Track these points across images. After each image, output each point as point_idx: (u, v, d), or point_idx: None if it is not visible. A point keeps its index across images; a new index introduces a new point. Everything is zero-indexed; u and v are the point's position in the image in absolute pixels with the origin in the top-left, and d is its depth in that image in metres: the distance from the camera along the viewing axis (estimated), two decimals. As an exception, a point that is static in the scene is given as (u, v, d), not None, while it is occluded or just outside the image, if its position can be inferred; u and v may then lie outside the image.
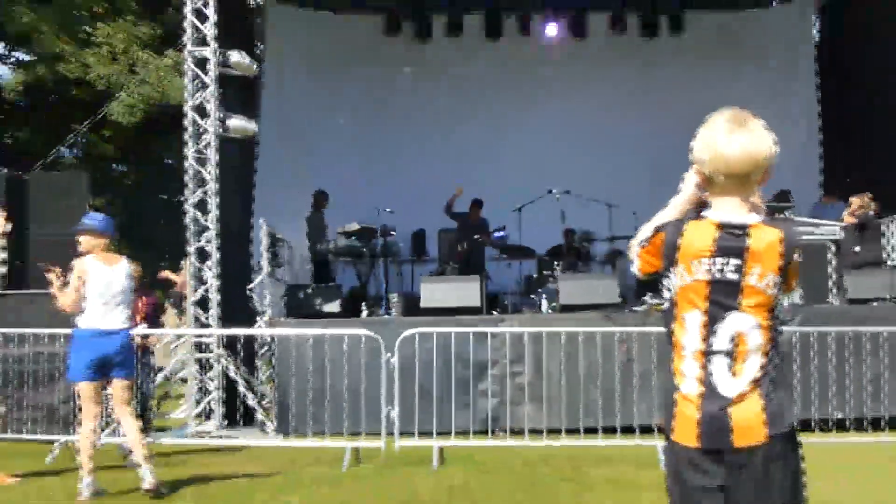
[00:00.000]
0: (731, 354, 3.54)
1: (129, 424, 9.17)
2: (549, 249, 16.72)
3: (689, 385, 3.59)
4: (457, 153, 18.52)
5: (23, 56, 32.51)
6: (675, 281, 3.63)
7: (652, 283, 12.15)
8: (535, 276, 16.37)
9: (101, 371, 9.02)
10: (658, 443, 10.80)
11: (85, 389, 9.07)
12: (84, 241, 9.27)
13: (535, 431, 12.03)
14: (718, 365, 3.55)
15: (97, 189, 24.62)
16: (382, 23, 18.78)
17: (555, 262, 15.83)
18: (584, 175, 17.28)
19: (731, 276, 3.54)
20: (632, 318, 13.23)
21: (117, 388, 9.13)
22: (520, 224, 16.38)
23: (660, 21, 18.57)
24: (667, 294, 3.68)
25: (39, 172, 16.23)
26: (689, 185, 3.76)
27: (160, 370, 13.89)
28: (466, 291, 14.04)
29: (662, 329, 10.94)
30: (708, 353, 3.56)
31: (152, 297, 12.86)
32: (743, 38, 18.40)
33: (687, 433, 3.58)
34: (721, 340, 3.55)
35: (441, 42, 18.64)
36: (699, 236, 3.58)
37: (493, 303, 15.18)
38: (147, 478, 8.94)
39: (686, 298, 3.61)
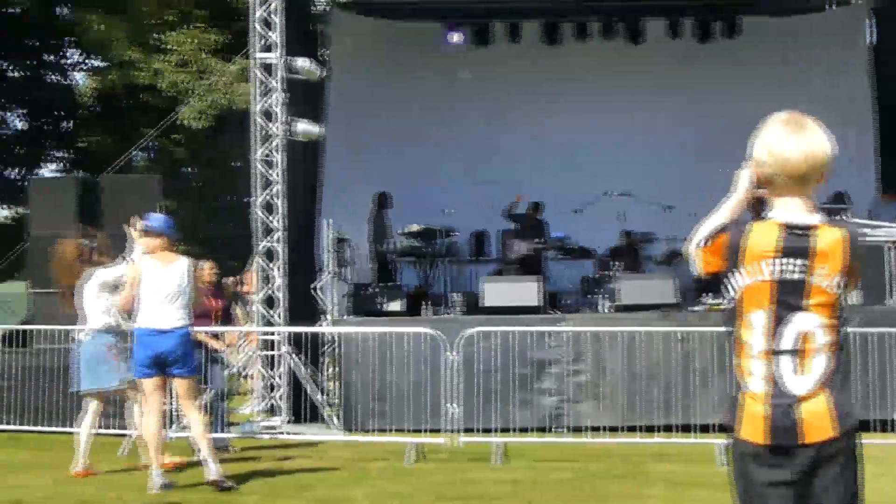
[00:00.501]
0: (798, 353, 3.58)
1: (194, 420, 9.35)
2: (608, 250, 16.83)
3: (755, 384, 3.62)
4: (516, 155, 18.65)
5: (97, 63, 33.19)
6: (739, 281, 3.65)
7: (710, 284, 12.22)
8: (593, 276, 16.47)
9: (159, 368, 9.16)
10: (716, 441, 10.90)
11: (145, 385, 9.29)
12: (144, 241, 9.44)
13: (595, 429, 12.14)
14: (785, 364, 3.58)
15: (167, 191, 25.08)
16: (443, 28, 18.97)
17: (613, 263, 15.92)
18: (641, 177, 17.36)
19: (796, 276, 3.58)
20: (690, 318, 13.32)
21: (179, 385, 9.31)
22: (578, 225, 16.50)
23: (714, 26, 18.55)
24: (730, 294, 3.70)
25: (112, 175, 16.53)
26: (744, 182, 3.82)
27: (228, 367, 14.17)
28: (526, 291, 14.21)
29: (720, 329, 11.01)
30: (774, 353, 3.59)
31: (225, 297, 13.16)
32: (797, 42, 18.30)
33: (754, 431, 3.60)
34: (787, 340, 3.58)
35: (499, 47, 18.79)
36: (764, 237, 3.61)
37: (552, 302, 15.30)
38: (212, 470, 9.11)
39: (751, 299, 3.63)
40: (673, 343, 12.48)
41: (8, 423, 12.94)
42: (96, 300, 10.18)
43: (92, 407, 10.29)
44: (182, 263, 9.39)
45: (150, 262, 9.31)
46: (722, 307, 13.92)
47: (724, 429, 3.76)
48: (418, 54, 18.83)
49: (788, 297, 3.59)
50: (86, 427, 10.26)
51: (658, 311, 13.62)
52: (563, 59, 18.79)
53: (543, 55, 18.85)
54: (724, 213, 3.82)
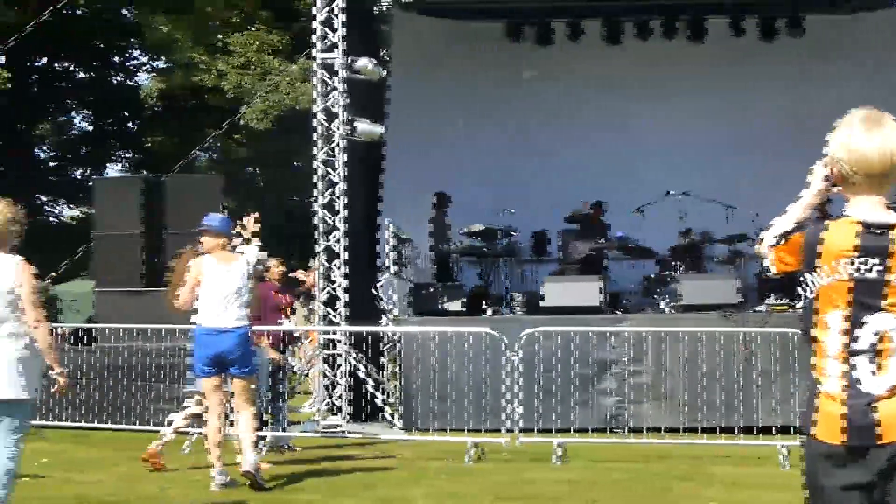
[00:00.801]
0: (875, 353, 3.52)
1: (244, 419, 9.32)
2: (669, 250, 16.74)
3: (832, 384, 3.56)
4: (577, 155, 18.60)
5: (161, 64, 33.62)
6: (816, 281, 3.61)
7: (774, 284, 12.12)
8: (655, 276, 16.40)
9: (218, 367, 9.23)
10: (779, 443, 10.84)
11: (205, 384, 9.40)
12: (204, 241, 9.47)
13: (656, 430, 12.10)
14: (862, 364, 3.53)
15: (229, 191, 25.35)
16: (504, 28, 18.98)
17: (675, 263, 15.83)
18: (703, 176, 17.25)
19: (874, 275, 3.52)
20: (752, 319, 13.22)
21: (236, 385, 9.34)
22: (640, 225, 16.44)
23: (778, 24, 18.37)
24: (806, 294, 3.66)
25: (176, 175, 16.73)
26: (818, 180, 3.76)
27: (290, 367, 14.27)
28: (587, 291, 14.19)
29: (783, 329, 10.95)
30: (851, 353, 3.53)
31: (292, 294, 13.25)
32: (863, 39, 18.02)
33: (831, 431, 3.54)
34: (864, 339, 3.53)
35: (561, 46, 18.75)
36: (841, 236, 3.56)
37: (613, 302, 15.26)
38: (247, 461, 9.12)
39: (828, 298, 3.58)
40: (735, 343, 12.39)
41: (74, 420, 13.14)
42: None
43: (193, 405, 10.63)
44: (241, 263, 9.42)
45: (210, 262, 9.35)
46: (795, 307, 13.79)
47: (802, 431, 3.69)
48: (479, 54, 18.84)
49: (866, 296, 3.53)
50: (179, 421, 10.69)
51: (720, 311, 13.53)
52: (625, 59, 18.71)
53: (605, 54, 18.79)
54: (797, 211, 3.77)
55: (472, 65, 18.75)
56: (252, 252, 9.70)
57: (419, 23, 18.45)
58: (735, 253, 16.48)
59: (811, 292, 3.64)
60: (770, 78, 18.60)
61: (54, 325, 15.42)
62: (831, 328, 3.58)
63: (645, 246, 16.76)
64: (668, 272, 15.74)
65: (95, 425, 13.04)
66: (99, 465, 10.75)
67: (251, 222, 9.78)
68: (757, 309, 13.96)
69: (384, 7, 18.04)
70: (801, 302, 3.70)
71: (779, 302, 13.86)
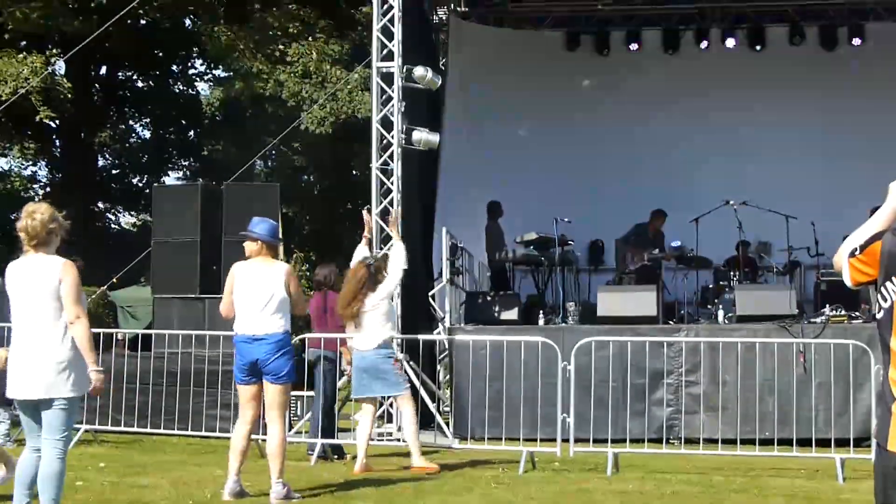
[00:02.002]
0: None
1: (273, 431, 9.11)
2: (726, 260, 16.63)
3: None
4: (634, 164, 18.56)
5: (221, 73, 33.96)
6: (895, 290, 3.57)
7: (832, 296, 11.98)
8: (711, 286, 16.28)
9: (256, 375, 9.06)
10: (836, 455, 10.71)
11: (240, 393, 9.28)
12: (246, 246, 9.33)
13: (710, 441, 12.02)
14: None
15: (287, 198, 25.54)
16: (562, 38, 19.00)
17: (731, 273, 15.72)
18: (761, 186, 17.13)
19: None
20: (809, 330, 13.09)
21: (268, 392, 9.07)
22: (697, 235, 16.33)
23: (839, 32, 18.23)
24: (884, 304, 3.60)
25: (234, 183, 16.83)
26: None
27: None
28: (643, 301, 14.14)
29: (840, 341, 10.82)
30: None
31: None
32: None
33: None
34: None
35: (619, 55, 18.75)
36: None
37: (669, 312, 15.17)
38: (276, 493, 8.96)
39: None
40: (792, 355, 12.27)
41: (130, 426, 13.29)
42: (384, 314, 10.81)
43: (367, 412, 10.95)
44: (277, 269, 9.17)
45: (245, 268, 9.21)
46: (853, 319, 13.67)
47: (877, 443, 3.66)
48: (537, 63, 18.87)
49: None
50: (364, 431, 10.89)
51: (776, 322, 13.42)
52: (683, 67, 18.67)
53: (663, 63, 18.76)
54: (875, 223, 3.72)
55: (529, 74, 18.80)
56: (396, 251, 10.52)
57: (476, 32, 18.55)
58: (793, 263, 16.35)
59: (889, 302, 3.58)
60: (832, 86, 18.45)
61: (112, 330, 15.75)
62: None
63: (702, 256, 16.65)
64: (724, 282, 15.63)
65: (151, 430, 13.17)
66: (154, 470, 10.84)
67: (391, 217, 9.99)
68: (814, 320, 13.82)
69: (442, 16, 18.15)
70: (877, 312, 3.65)
71: (837, 313, 13.72)
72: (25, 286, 7.00)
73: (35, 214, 6.98)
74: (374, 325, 10.75)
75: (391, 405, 13.73)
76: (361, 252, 11.59)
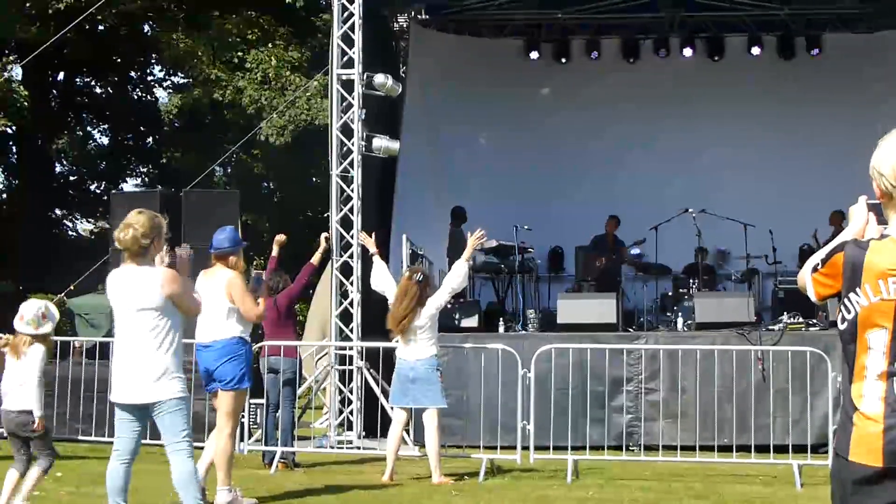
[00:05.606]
0: None
1: (218, 438, 9.05)
2: (684, 268, 16.74)
3: (870, 405, 3.52)
4: (593, 172, 18.62)
5: (179, 80, 33.76)
6: (858, 301, 3.56)
7: (789, 303, 12.08)
8: (670, 293, 16.38)
9: (211, 382, 9.14)
10: (794, 462, 10.81)
11: (213, 400, 9.38)
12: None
13: (669, 448, 12.06)
14: None
15: (246, 205, 25.39)
16: (522, 45, 19.05)
17: (690, 280, 15.83)
18: (720, 194, 17.29)
19: None
20: (768, 337, 13.20)
21: (218, 398, 9.09)
22: (656, 243, 16.44)
23: (796, 42, 18.41)
24: (847, 315, 3.59)
25: (193, 190, 16.76)
26: (860, 216, 3.76)
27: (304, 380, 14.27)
28: (603, 308, 14.20)
29: (798, 348, 10.89)
30: (892, 374, 3.50)
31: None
32: (884, 59, 17.99)
33: (867, 453, 3.50)
34: None
35: (579, 63, 18.82)
36: (885, 255, 3.53)
37: (628, 320, 15.25)
38: (219, 500, 8.88)
39: (870, 318, 3.54)
40: (750, 362, 12.35)
41: (88, 434, 13.17)
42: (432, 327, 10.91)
43: (400, 420, 11.01)
44: (220, 277, 9.15)
45: (202, 278, 9.26)
46: (811, 326, 13.78)
47: (835, 452, 3.67)
48: (496, 71, 18.90)
49: None
50: (395, 439, 10.94)
51: (735, 329, 13.52)
52: (642, 76, 18.77)
53: (623, 71, 18.85)
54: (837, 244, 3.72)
55: (489, 81, 18.82)
56: (459, 269, 11.01)
57: (436, 39, 18.54)
58: (751, 271, 16.48)
59: (852, 313, 3.58)
60: (790, 96, 18.60)
61: (70, 338, 15.58)
62: (873, 348, 3.54)
63: (661, 264, 16.75)
64: (683, 290, 15.73)
65: (109, 439, 12.93)
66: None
67: (474, 240, 11.07)
68: (772, 327, 13.94)
69: (402, 24, 18.13)
70: (840, 323, 3.65)
71: (794, 320, 13.85)
72: (122, 296, 7.22)
73: (129, 228, 7.16)
74: (424, 337, 10.85)
75: (351, 413, 13.70)
76: (381, 269, 11.53)
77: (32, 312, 8.46)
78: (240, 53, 27.52)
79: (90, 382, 13.40)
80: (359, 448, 13.08)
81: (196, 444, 7.69)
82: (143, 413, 7.20)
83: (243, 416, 11.07)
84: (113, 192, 25.95)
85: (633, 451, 12.55)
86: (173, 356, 7.12)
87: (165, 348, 7.10)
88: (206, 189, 19.68)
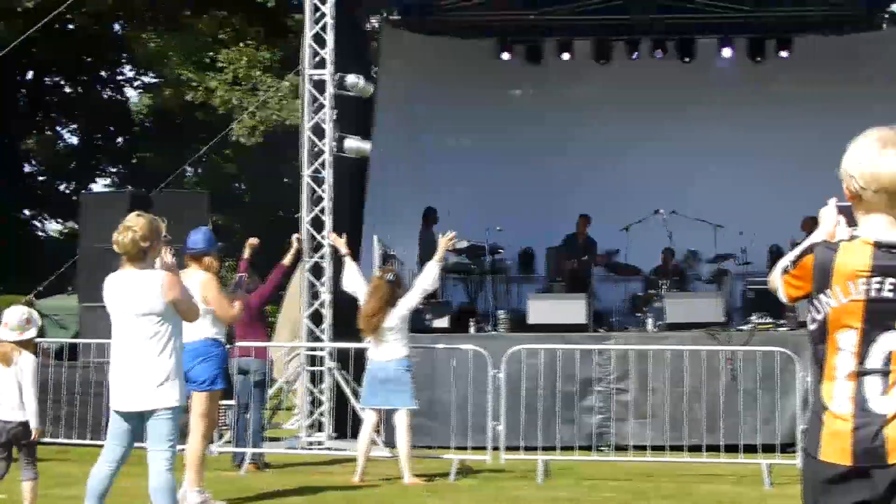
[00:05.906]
0: (885, 373, 3.52)
1: (190, 440, 9.04)
2: (654, 268, 16.80)
3: (839, 404, 3.55)
4: (565, 173, 18.64)
5: (151, 80, 33.63)
6: (828, 302, 3.58)
7: (759, 304, 12.12)
8: (640, 294, 16.43)
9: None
10: (763, 461, 10.86)
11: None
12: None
13: (640, 448, 12.10)
14: (872, 384, 3.52)
15: (217, 206, 25.32)
16: (494, 46, 19.07)
17: (660, 281, 15.88)
18: (690, 195, 17.35)
19: (888, 294, 3.51)
20: (737, 338, 13.25)
21: (192, 400, 9.02)
22: (627, 243, 16.49)
23: (767, 44, 18.51)
24: (817, 316, 3.62)
25: (163, 191, 16.70)
26: (830, 219, 3.73)
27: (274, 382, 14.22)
28: (573, 309, 14.22)
29: (767, 348, 10.94)
30: (861, 373, 3.53)
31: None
32: (853, 61, 18.07)
33: (837, 452, 3.53)
34: (875, 359, 3.53)
35: (552, 64, 18.86)
36: (854, 256, 3.54)
37: (599, 320, 15.27)
38: (189, 501, 8.85)
39: (839, 319, 3.56)
40: (720, 362, 12.40)
41: (58, 437, 13.07)
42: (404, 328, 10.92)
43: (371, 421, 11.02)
44: (195, 278, 9.02)
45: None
46: (779, 326, 13.85)
47: (805, 451, 3.69)
48: (469, 72, 18.91)
49: (879, 316, 3.53)
50: (366, 440, 10.94)
51: (705, 329, 13.57)
52: (614, 77, 18.82)
53: (595, 73, 18.89)
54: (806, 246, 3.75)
55: (462, 82, 18.82)
56: (431, 269, 11.01)
57: (409, 40, 18.52)
58: (721, 272, 16.55)
59: (822, 314, 3.61)
60: (760, 97, 18.68)
61: (38, 339, 15.44)
62: (842, 349, 3.57)
63: (631, 264, 16.80)
64: (653, 290, 15.79)
65: (78, 441, 12.95)
66: (82, 482, 10.60)
67: (445, 242, 11.10)
68: (742, 327, 14.01)
69: (374, 24, 18.11)
70: (810, 324, 3.68)
71: (764, 321, 13.92)
72: (122, 301, 7.11)
73: (128, 231, 7.05)
74: (396, 339, 10.83)
75: (321, 414, 13.66)
76: (352, 270, 11.51)
77: (17, 318, 8.35)
78: (211, 53, 27.43)
79: (58, 385, 13.31)
80: (329, 449, 13.04)
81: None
82: (141, 420, 7.11)
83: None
84: (82, 192, 25.87)
85: (603, 451, 12.59)
86: (175, 362, 7.05)
87: (168, 354, 7.02)
88: (176, 189, 19.58)
